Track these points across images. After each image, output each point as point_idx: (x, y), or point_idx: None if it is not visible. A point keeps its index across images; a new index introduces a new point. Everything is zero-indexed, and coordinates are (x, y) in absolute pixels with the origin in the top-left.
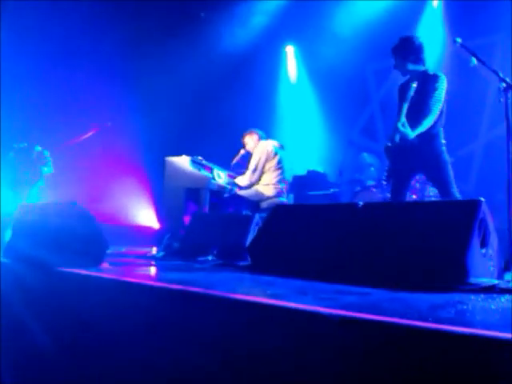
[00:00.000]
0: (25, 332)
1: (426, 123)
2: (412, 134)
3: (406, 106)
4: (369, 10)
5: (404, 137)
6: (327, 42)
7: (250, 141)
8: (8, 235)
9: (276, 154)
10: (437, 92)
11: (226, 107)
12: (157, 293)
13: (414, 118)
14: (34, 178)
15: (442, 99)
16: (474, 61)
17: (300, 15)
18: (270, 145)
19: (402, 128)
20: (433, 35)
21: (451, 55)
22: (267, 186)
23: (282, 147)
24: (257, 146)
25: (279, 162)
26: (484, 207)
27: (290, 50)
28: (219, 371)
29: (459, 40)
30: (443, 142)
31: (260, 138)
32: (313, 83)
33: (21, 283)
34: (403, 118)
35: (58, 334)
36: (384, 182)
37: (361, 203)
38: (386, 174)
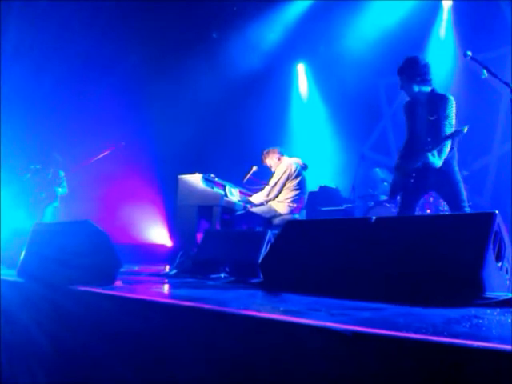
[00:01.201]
0: (37, 350)
1: (446, 149)
2: (439, 162)
3: (422, 131)
4: (379, 25)
5: (431, 165)
6: (338, 59)
7: (271, 161)
8: (22, 254)
9: (299, 175)
10: (449, 118)
11: (239, 124)
12: (170, 310)
13: (431, 141)
14: (49, 199)
15: (454, 122)
16: (486, 73)
17: (310, 33)
18: (293, 164)
19: (431, 158)
20: (443, 49)
21: (462, 69)
22: (281, 203)
23: (305, 167)
24: (280, 164)
25: (300, 183)
26: (499, 220)
27: (301, 68)
28: None
29: (470, 53)
30: (455, 163)
31: (281, 155)
32: (324, 99)
33: (34, 301)
34: (435, 151)
35: (70, 352)
36: (398, 198)
37: (373, 217)
38: (390, 189)
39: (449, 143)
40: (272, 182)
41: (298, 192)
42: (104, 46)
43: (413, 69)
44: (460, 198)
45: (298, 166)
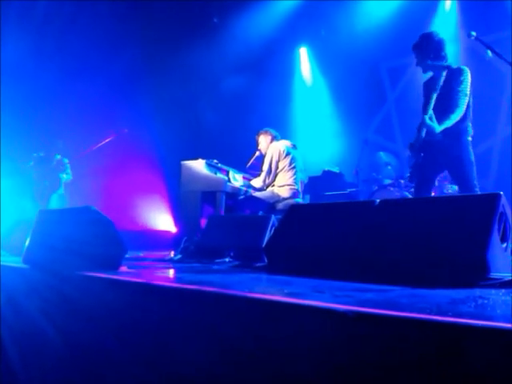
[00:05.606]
0: (42, 336)
1: (454, 118)
2: (439, 128)
3: (434, 97)
4: (382, 9)
5: (430, 131)
6: (340, 43)
7: (263, 141)
8: (27, 241)
9: (288, 153)
10: (462, 86)
11: (241, 110)
12: (174, 294)
13: (440, 112)
14: (53, 186)
15: (468, 93)
16: (490, 53)
17: (312, 17)
18: (281, 145)
19: (428, 121)
20: (447, 31)
21: (466, 51)
22: (283, 188)
23: (294, 147)
24: (269, 147)
25: (292, 162)
26: (503, 201)
27: (303, 52)
28: (237, 369)
29: (474, 33)
30: (470, 139)
31: (274, 139)
32: (327, 83)
33: (39, 288)
34: (431, 111)
35: (74, 335)
36: (402, 181)
37: (377, 200)
38: (410, 171)
39: (458, 112)
40: (265, 166)
41: (294, 171)
42: (106, 32)
43: (427, 44)
44: (470, 179)
45: (286, 147)
